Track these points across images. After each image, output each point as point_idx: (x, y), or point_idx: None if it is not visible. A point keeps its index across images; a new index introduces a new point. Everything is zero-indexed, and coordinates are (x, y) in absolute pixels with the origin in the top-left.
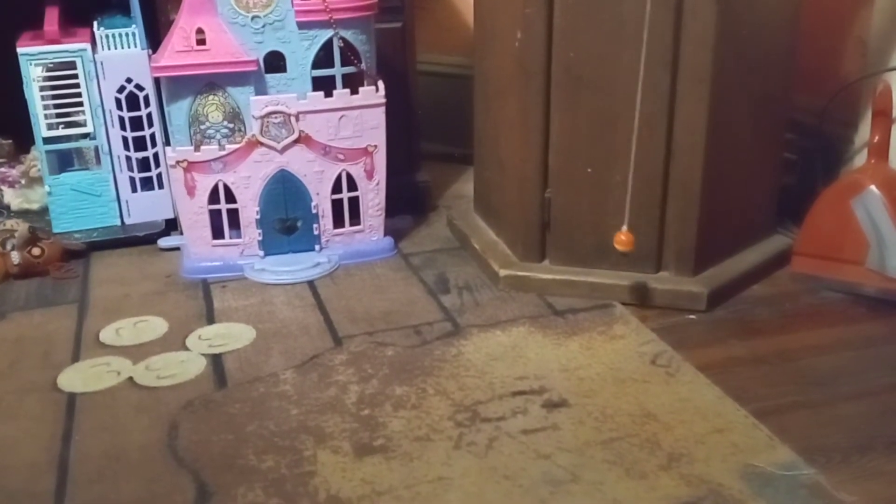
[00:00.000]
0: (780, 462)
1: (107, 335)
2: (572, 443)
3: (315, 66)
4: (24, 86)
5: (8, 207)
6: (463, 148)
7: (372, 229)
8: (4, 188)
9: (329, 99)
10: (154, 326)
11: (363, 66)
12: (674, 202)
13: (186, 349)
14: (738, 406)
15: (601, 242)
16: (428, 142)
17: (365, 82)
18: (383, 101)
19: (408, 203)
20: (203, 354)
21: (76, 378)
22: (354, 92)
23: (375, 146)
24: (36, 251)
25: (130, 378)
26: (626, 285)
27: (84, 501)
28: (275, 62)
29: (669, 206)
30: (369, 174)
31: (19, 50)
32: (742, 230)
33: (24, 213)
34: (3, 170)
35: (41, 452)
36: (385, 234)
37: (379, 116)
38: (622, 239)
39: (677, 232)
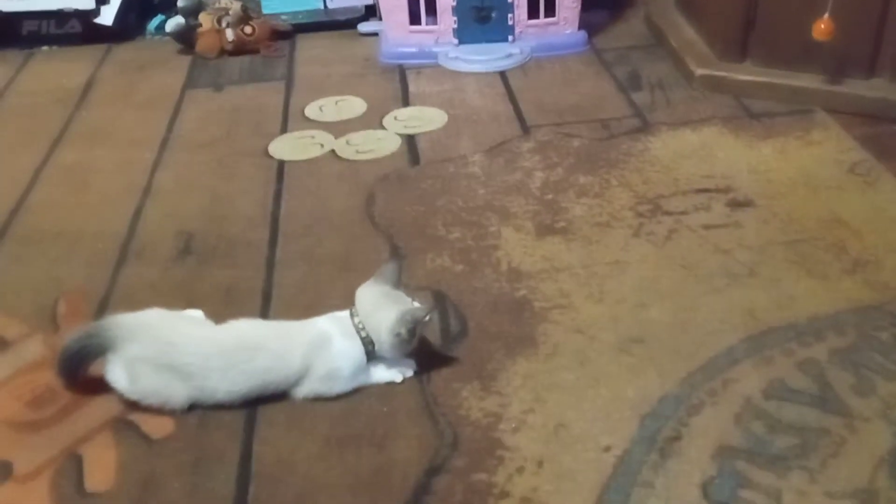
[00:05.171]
0: None
1: (311, 111)
2: (754, 241)
3: None
4: None
5: None
6: None
7: (566, 22)
8: None
9: None
10: (353, 105)
11: None
12: None
13: (383, 128)
14: None
15: (810, 44)
16: None
17: None
18: None
19: None
20: (398, 134)
21: (285, 147)
22: None
23: None
24: (248, 29)
25: (333, 151)
26: (833, 91)
27: (293, 251)
28: None
29: (892, 3)
30: None
31: None
32: None
33: None
34: None
35: (256, 208)
36: (579, 28)
37: None
38: (821, 28)
39: None
